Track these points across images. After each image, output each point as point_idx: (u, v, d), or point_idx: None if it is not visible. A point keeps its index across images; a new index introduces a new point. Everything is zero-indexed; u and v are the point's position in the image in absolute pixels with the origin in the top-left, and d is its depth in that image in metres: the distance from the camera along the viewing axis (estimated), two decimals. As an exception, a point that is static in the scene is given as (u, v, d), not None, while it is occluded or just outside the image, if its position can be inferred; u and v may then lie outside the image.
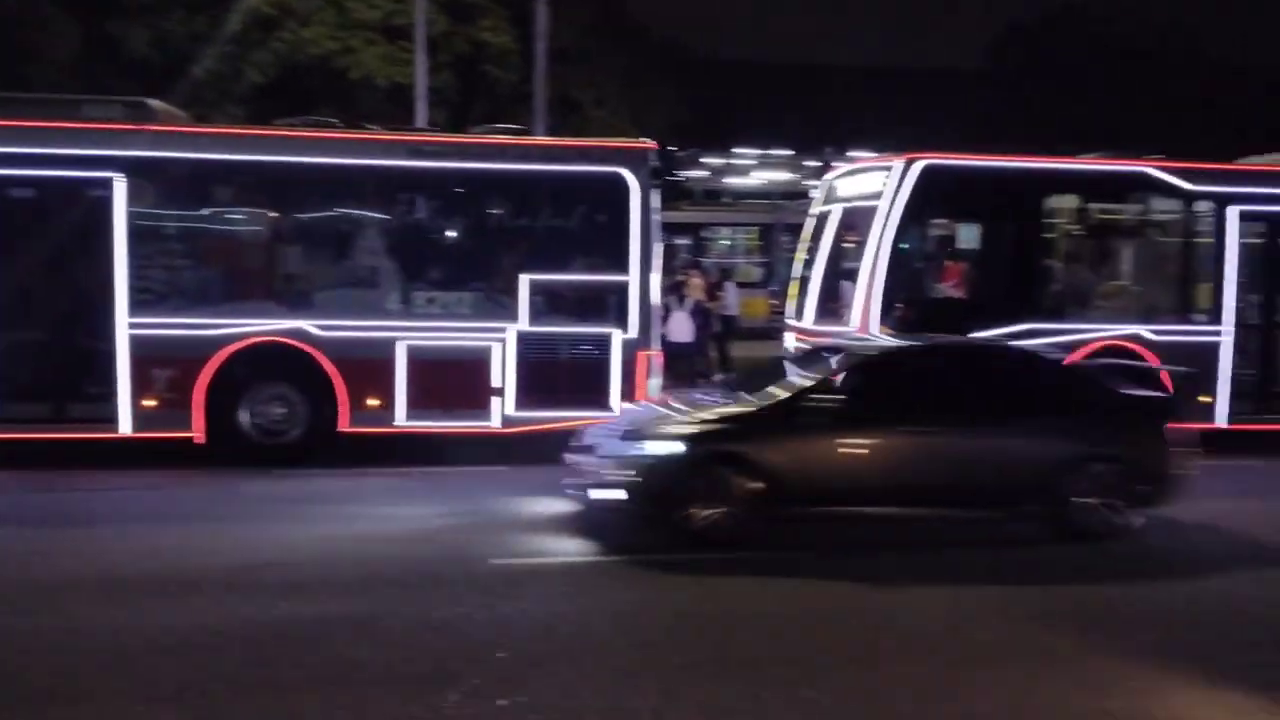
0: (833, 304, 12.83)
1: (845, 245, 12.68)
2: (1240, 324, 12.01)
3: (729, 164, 45.47)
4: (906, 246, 11.43)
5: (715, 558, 7.31)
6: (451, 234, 11.49)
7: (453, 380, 10.37)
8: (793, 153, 45.52)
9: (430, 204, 11.21)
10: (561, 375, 10.55)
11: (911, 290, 11.65)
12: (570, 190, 10.83)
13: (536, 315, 10.47)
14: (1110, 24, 48.32)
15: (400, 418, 10.33)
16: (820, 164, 31.63)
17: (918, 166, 11.31)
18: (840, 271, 12.82)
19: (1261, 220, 12.21)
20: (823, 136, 47.74)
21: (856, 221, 12.36)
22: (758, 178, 46.56)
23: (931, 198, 11.40)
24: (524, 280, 10.41)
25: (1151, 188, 11.99)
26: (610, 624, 6.05)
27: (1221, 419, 11.89)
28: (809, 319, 12.75)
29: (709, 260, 23.45)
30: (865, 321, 11.31)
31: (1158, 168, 11.96)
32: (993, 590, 6.85)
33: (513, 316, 10.40)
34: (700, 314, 14.92)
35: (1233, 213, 11.87)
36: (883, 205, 11.36)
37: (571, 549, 7.58)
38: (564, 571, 7.09)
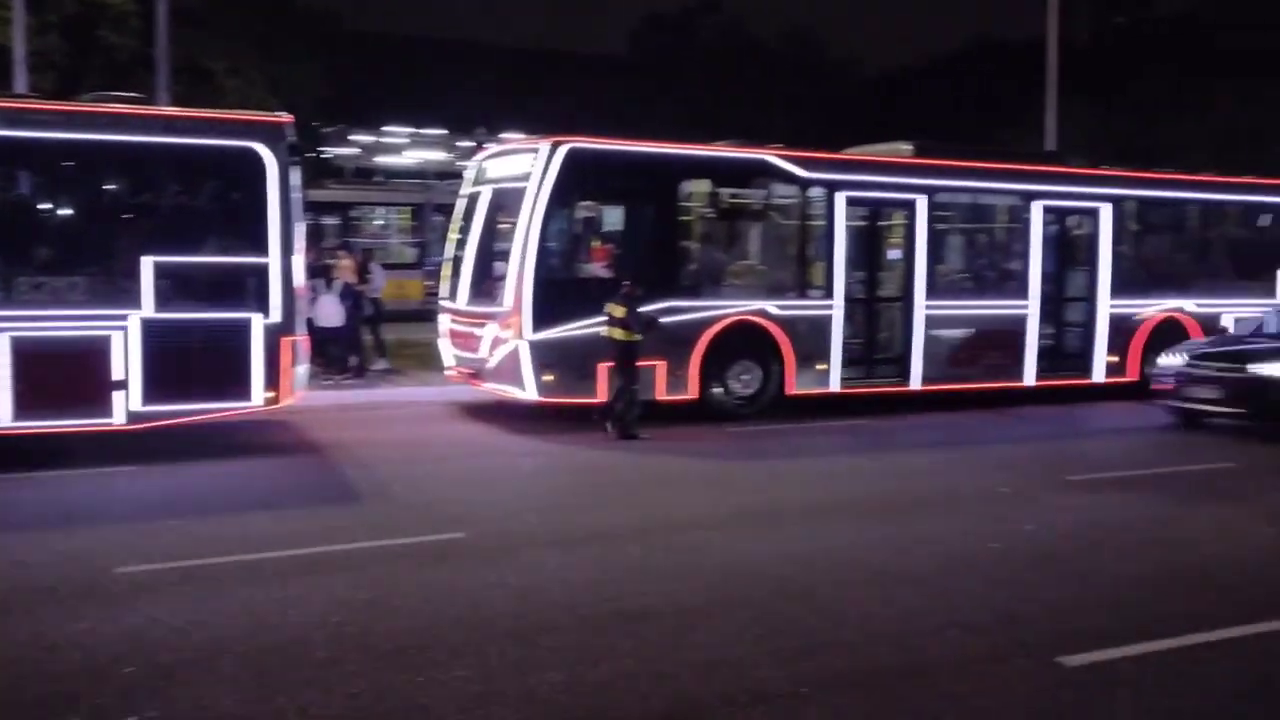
0: (486, 284, 12.92)
1: (497, 226, 12.78)
2: (848, 298, 13.38)
3: (380, 142, 44.28)
4: (557, 227, 11.69)
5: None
6: (62, 213, 10.39)
7: (67, 375, 9.38)
8: (446, 132, 45.11)
9: (35, 180, 10.10)
10: (195, 365, 9.82)
11: (562, 270, 11.95)
12: (199, 166, 10.08)
13: (164, 301, 9.65)
14: (742, 23, 51.96)
15: (4, 418, 9.21)
16: (474, 144, 31.57)
17: (563, 149, 11.58)
18: (493, 252, 12.92)
19: (865, 205, 13.63)
20: (476, 116, 47.71)
21: (507, 202, 12.49)
22: (411, 156, 45.74)
23: (578, 180, 11.72)
24: (147, 263, 9.56)
25: (773, 174, 13.02)
26: (251, 624, 5.75)
27: (835, 384, 13.20)
28: (463, 300, 12.75)
29: (358, 241, 22.76)
30: (518, 302, 11.48)
31: (778, 156, 13.01)
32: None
33: (136, 303, 9.54)
34: (350, 296, 14.45)
35: (841, 198, 13.15)
36: (531, 187, 11.54)
37: (207, 549, 7.11)
38: (200, 573, 6.64)
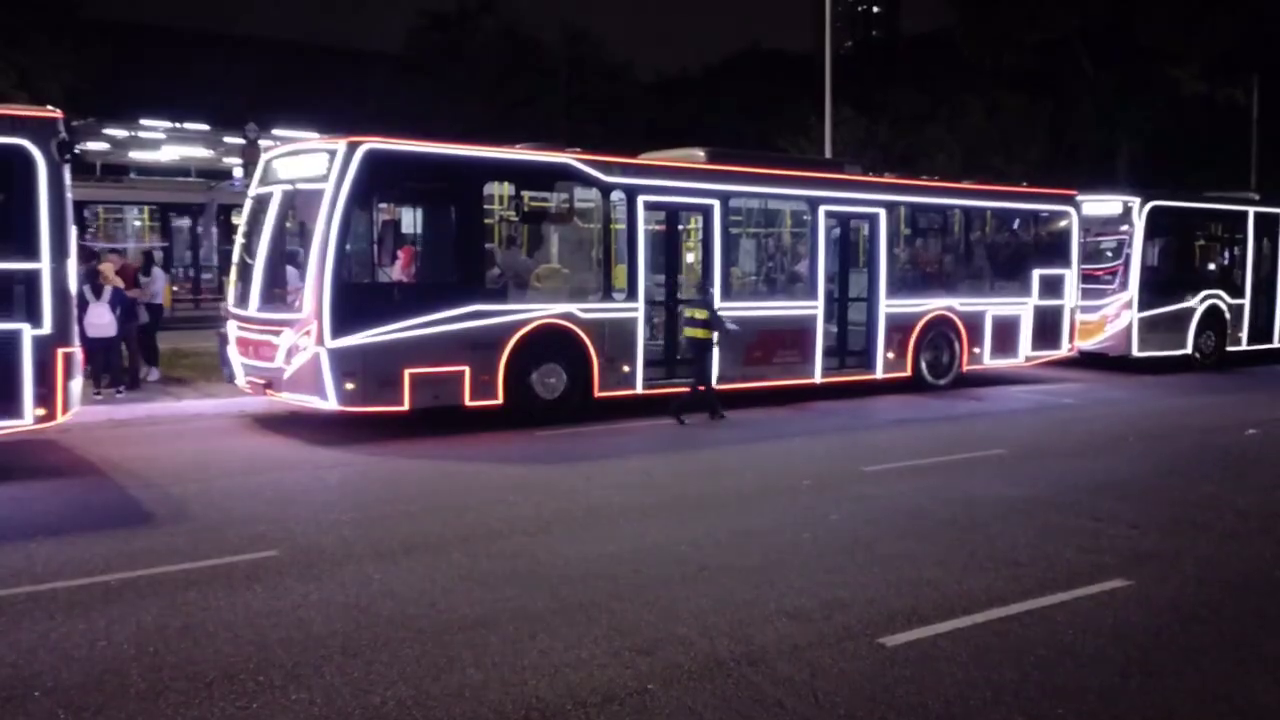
0: (278, 289, 12.43)
1: (288, 228, 12.32)
2: (650, 301, 13.71)
3: (135, 136, 41.31)
4: (356, 230, 11.37)
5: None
6: None
7: None
8: (209, 127, 42.60)
9: None
10: (-45, 381, 8.98)
11: (362, 274, 11.63)
12: (-43, 163, 9.20)
13: (-81, 311, 8.77)
14: (519, 24, 51.95)
15: None
16: (244, 141, 30.09)
17: (361, 150, 11.28)
18: (284, 256, 12.43)
19: (664, 209, 14.00)
20: (244, 111, 45.43)
21: (300, 204, 12.08)
22: (171, 153, 42.93)
23: (376, 182, 11.44)
24: (-105, 270, 8.66)
25: (574, 178, 13.16)
26: (56, 659, 5.33)
27: (639, 385, 13.50)
28: (253, 306, 12.20)
29: (105, 244, 21.37)
30: (317, 307, 11.11)
31: (579, 160, 13.16)
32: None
33: (-119, 314, 8.61)
34: (120, 303, 13.50)
35: (640, 202, 13.45)
36: (328, 189, 11.19)
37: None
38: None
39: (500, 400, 12.25)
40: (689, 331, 13.40)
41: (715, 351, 13.62)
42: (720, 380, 14.08)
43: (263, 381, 11.99)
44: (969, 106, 41.29)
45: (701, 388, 13.36)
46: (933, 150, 41.07)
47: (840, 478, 10.15)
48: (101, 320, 13.15)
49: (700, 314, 13.25)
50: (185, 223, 25.98)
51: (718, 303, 13.90)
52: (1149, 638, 5.92)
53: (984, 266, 17.47)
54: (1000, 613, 6.22)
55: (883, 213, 15.78)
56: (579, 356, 12.88)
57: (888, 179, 17.42)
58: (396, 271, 12.54)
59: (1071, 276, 17.95)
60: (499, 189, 13.15)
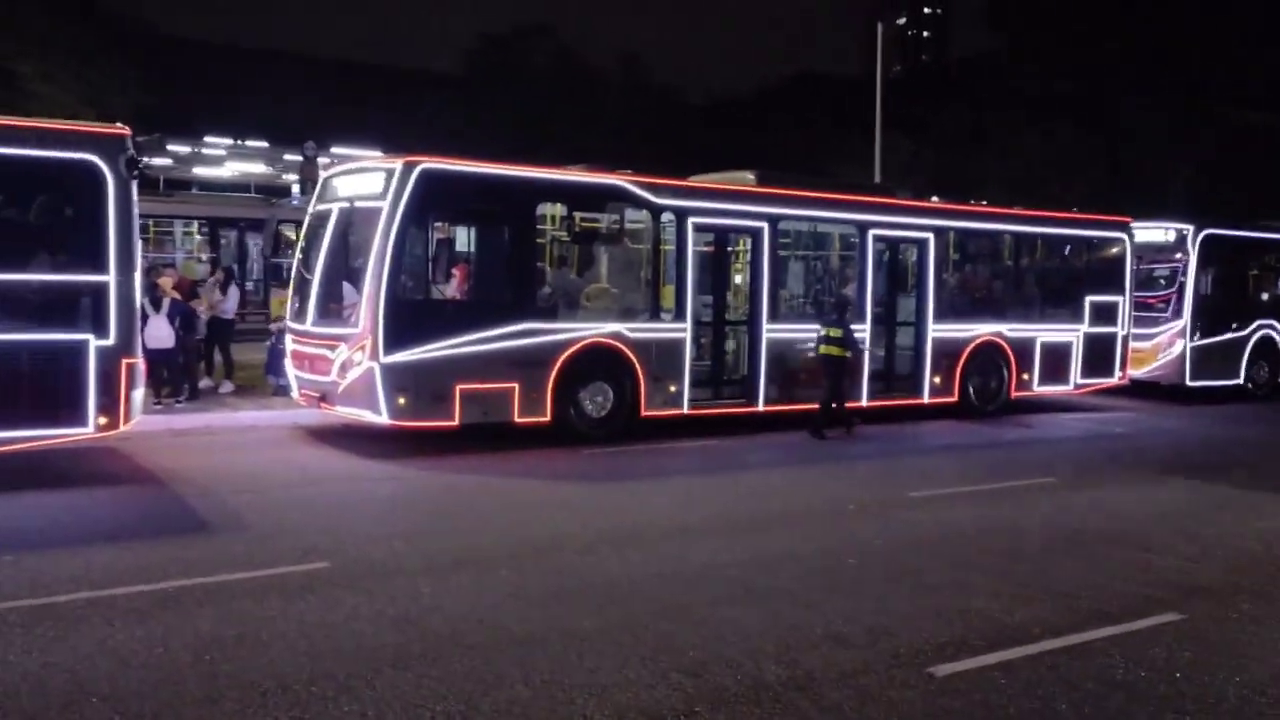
0: (334, 305, 12.59)
1: (346, 245, 12.50)
2: (697, 321, 13.72)
3: (198, 153, 42.20)
4: (410, 248, 11.51)
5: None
6: None
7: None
8: (268, 144, 43.39)
9: None
10: (23, 389, 9.17)
11: (416, 291, 11.76)
12: (31, 179, 9.40)
13: (-12, 320, 9.00)
14: (573, 47, 52.44)
15: None
16: (303, 158, 30.62)
17: (418, 170, 11.41)
18: (341, 272, 12.61)
19: (713, 231, 14.02)
20: (303, 129, 46.25)
21: (357, 221, 12.24)
22: (231, 169, 43.79)
23: (431, 201, 11.57)
24: (-33, 281, 8.89)
25: (626, 199, 13.22)
26: (113, 665, 5.41)
27: (685, 405, 13.48)
28: (310, 320, 12.37)
29: (181, 257, 21.85)
30: (371, 323, 11.24)
31: (630, 181, 13.21)
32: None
33: (-43, 322, 8.84)
34: (179, 314, 13.78)
35: (690, 224, 13.47)
36: (385, 207, 11.33)
37: (51, 587, 6.64)
38: (48, 613, 6.19)
39: (548, 417, 12.29)
40: (824, 349, 13.85)
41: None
42: (769, 402, 14.04)
43: (317, 394, 12.14)
44: (1019, 132, 40.93)
45: (835, 404, 13.87)
46: (982, 176, 40.75)
47: (885, 502, 10.04)
48: (160, 333, 13.41)
49: (835, 332, 13.76)
50: (251, 238, 26.47)
51: (765, 324, 13.90)
52: (1202, 674, 5.78)
53: (1034, 293, 17.26)
54: (1051, 645, 6.10)
55: (931, 237, 15.65)
56: (626, 375, 12.90)
57: (937, 204, 17.30)
58: (450, 289, 12.66)
59: (1124, 304, 17.66)
60: (551, 209, 13.23)
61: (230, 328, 15.68)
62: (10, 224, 9.58)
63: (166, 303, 13.73)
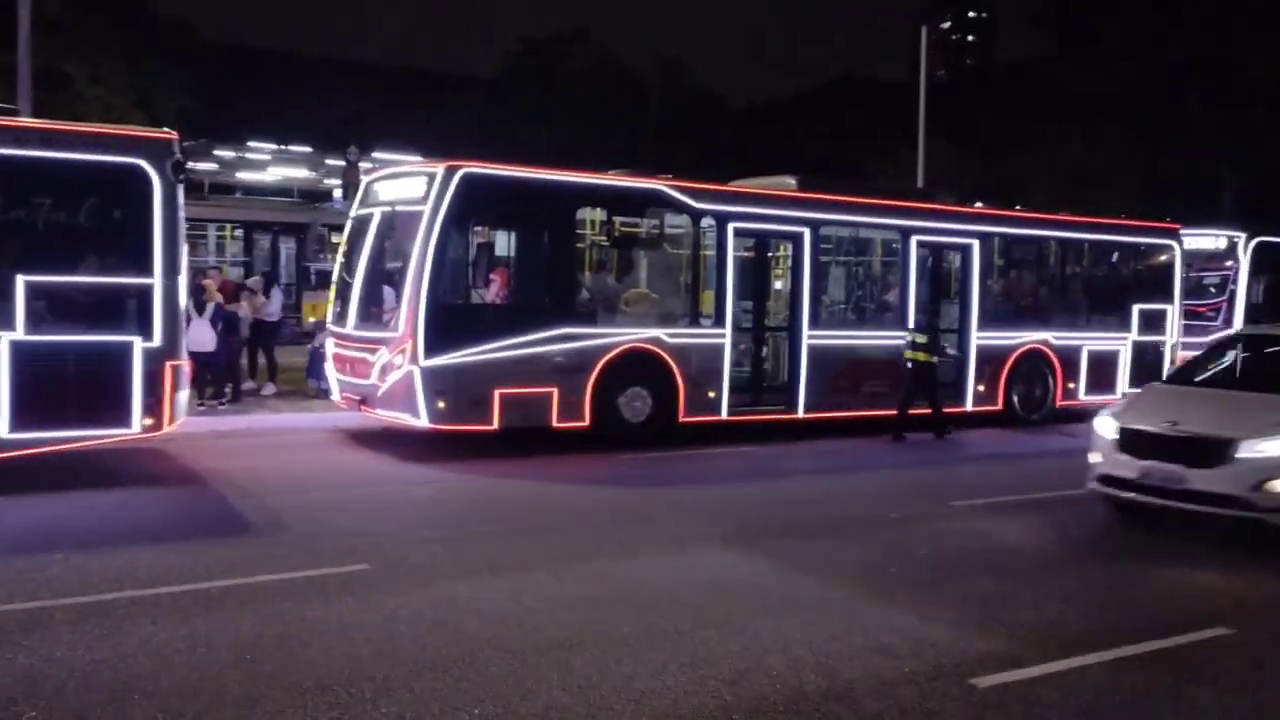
0: (375, 309, 12.72)
1: (387, 249, 12.64)
2: (737, 327, 13.70)
3: (243, 157, 42.79)
4: (451, 252, 11.61)
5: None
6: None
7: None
8: (311, 149, 43.90)
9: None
10: (70, 389, 9.33)
11: (456, 295, 11.86)
12: (79, 182, 9.57)
13: (38, 322, 9.17)
14: (614, 51, 52.63)
15: None
16: (346, 162, 30.96)
17: (459, 174, 11.51)
18: (382, 275, 12.74)
19: (753, 236, 14.00)
20: (345, 134, 46.80)
21: (398, 225, 12.36)
22: (275, 173, 44.35)
23: (472, 205, 11.67)
24: (20, 282, 9.06)
25: (665, 204, 13.24)
26: (157, 664, 5.49)
27: (724, 411, 13.46)
28: (351, 324, 12.50)
29: (213, 260, 22.21)
30: (411, 327, 11.33)
31: (670, 186, 13.24)
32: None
33: (8, 323, 9.03)
34: (221, 318, 13.98)
35: (730, 229, 13.46)
36: (426, 211, 11.43)
37: (97, 585, 6.75)
38: (93, 610, 6.30)
39: (586, 422, 12.33)
40: (910, 355, 14.22)
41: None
42: (809, 409, 13.99)
43: (357, 398, 12.26)
44: (1065, 137, 40.43)
45: (933, 410, 14.38)
46: (1026, 181, 40.30)
47: (928, 512, 9.95)
48: (203, 336, 13.60)
49: (921, 338, 14.14)
50: (284, 242, 26.83)
51: (806, 330, 13.86)
52: (1252, 689, 5.66)
53: (1081, 300, 17.05)
54: (1096, 658, 6.00)
55: (976, 243, 15.52)
56: (665, 381, 12.91)
57: (981, 209, 17.14)
58: (490, 293, 12.75)
59: (1173, 312, 17.39)
60: (591, 213, 13.30)
61: (274, 330, 15.91)
62: (59, 227, 9.74)
63: (211, 306, 13.93)
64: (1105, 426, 9.58)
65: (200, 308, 13.80)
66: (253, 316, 15.35)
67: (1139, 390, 11.07)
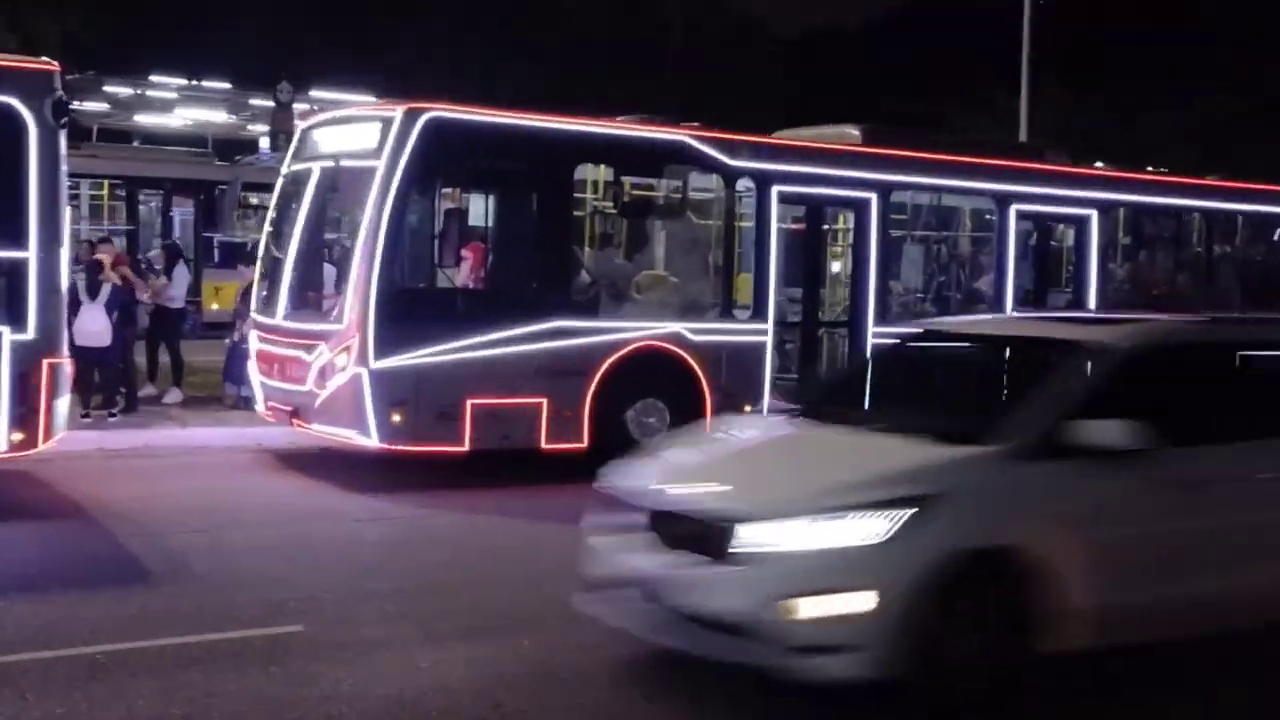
0: (312, 293, 12.78)
1: (329, 216, 12.71)
2: (782, 321, 13.69)
3: (143, 95, 42.96)
4: (412, 220, 11.65)
5: None
6: None
7: None
8: (231, 86, 44.05)
9: None
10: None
11: (418, 277, 11.91)
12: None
13: None
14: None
15: None
16: (275, 104, 31.05)
17: (423, 120, 11.50)
18: (322, 251, 12.80)
19: (804, 203, 14.02)
20: (274, 68, 46.97)
21: (343, 185, 12.45)
22: (184, 117, 44.51)
23: (440, 160, 11.70)
24: None
25: (691, 161, 13.24)
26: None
27: (764, 431, 13.42)
28: (280, 313, 12.53)
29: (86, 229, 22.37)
30: (360, 318, 11.35)
31: (697, 137, 13.24)
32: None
33: None
34: (119, 304, 14.00)
35: (774, 194, 13.45)
36: (380, 167, 11.43)
37: None
38: None
39: (585, 443, 12.32)
40: None
41: None
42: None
43: (288, 408, 12.30)
44: (1214, 77, 40.25)
45: None
46: (1162, 135, 40.17)
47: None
48: (96, 326, 13.65)
49: None
50: (179, 205, 27.01)
51: (871, 325, 13.87)
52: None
53: (1233, 286, 16.97)
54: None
55: (1095, 215, 15.48)
56: (687, 390, 12.88)
57: (1103, 170, 17.11)
58: (461, 275, 12.77)
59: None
60: (594, 173, 13.35)
61: (179, 320, 15.95)
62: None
63: (106, 289, 13.93)
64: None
65: (92, 290, 13.83)
66: (153, 303, 15.39)
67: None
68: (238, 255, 21.65)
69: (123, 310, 14.23)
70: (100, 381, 14.22)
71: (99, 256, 14.31)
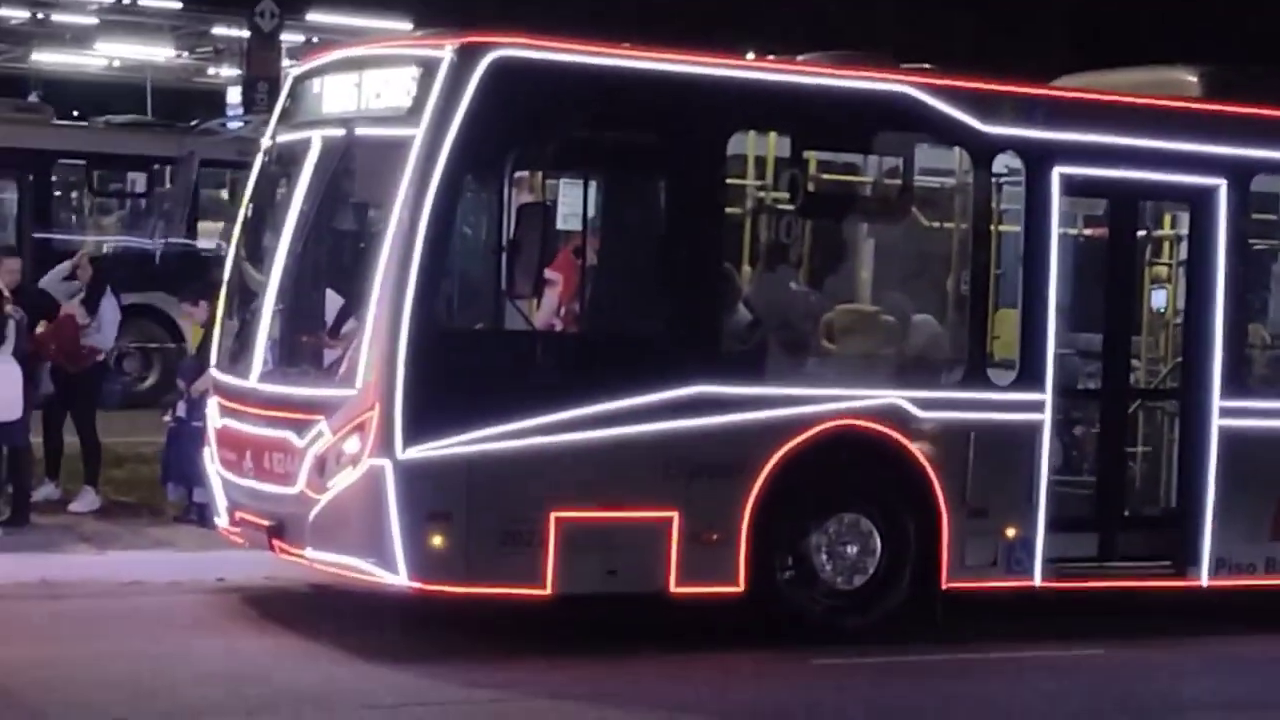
0: (306, 336, 12.92)
1: (337, 215, 12.88)
2: (1068, 389, 13.56)
3: (44, 20, 44.33)
4: (467, 221, 11.79)
5: None
6: None
7: None
8: (180, 5, 45.16)
9: None
10: None
11: (471, 311, 12.07)
12: None
13: None
14: None
15: None
16: (251, 34, 31.81)
17: (488, 61, 11.64)
18: (324, 270, 12.97)
19: (1103, 194, 13.90)
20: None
21: (358, 166, 12.58)
22: (109, 53, 45.77)
23: (515, 128, 11.85)
24: None
25: (917, 124, 13.22)
26: None
27: (1037, 567, 13.25)
28: (256, 368, 12.71)
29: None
30: (382, 376, 11.44)
31: (927, 88, 13.22)
32: None
33: None
34: (22, 355, 14.42)
35: (1056, 179, 13.36)
36: (420, 138, 11.56)
37: None
38: None
39: (740, 585, 12.33)
40: None
41: None
42: (1219, 567, 13.79)
43: (265, 522, 12.43)
44: None
45: None
46: None
47: None
48: (4, 388, 14.07)
49: None
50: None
51: (1218, 397, 13.68)
52: None
53: None
54: None
55: None
56: (910, 501, 12.87)
57: None
58: (544, 309, 12.83)
59: None
60: (758, 145, 13.35)
61: (97, 381, 16.22)
62: None
63: (11, 329, 14.34)
64: None
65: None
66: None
67: None
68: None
69: (22, 365, 14.64)
70: (7, 474, 14.65)
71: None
